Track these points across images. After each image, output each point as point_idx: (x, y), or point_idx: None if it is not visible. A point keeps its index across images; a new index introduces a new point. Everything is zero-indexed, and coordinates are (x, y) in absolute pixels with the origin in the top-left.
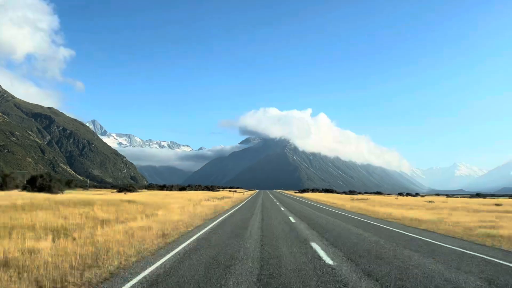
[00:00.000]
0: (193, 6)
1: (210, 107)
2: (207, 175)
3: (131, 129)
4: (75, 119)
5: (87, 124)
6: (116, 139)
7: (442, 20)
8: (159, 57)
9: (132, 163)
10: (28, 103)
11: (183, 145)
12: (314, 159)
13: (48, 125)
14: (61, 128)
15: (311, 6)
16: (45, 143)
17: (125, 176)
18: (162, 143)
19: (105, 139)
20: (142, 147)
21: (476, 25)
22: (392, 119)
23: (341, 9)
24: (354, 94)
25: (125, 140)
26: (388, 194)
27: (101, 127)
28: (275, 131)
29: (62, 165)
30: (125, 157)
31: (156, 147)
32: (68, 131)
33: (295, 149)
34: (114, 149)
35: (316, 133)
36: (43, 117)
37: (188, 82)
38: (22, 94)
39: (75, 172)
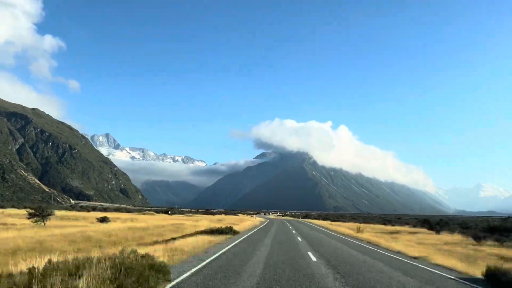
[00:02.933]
0: (203, 16)
1: (222, 118)
2: (220, 191)
3: (145, 143)
4: (62, 122)
5: (100, 138)
6: (129, 153)
7: (477, 37)
8: (169, 67)
9: (125, 174)
10: (6, 102)
11: (197, 160)
12: (336, 175)
13: (24, 126)
14: (38, 130)
15: (333, 16)
16: (17, 147)
17: (112, 189)
18: (176, 158)
19: (118, 153)
20: (156, 161)
21: None
22: (417, 135)
23: (365, 19)
24: (376, 109)
25: (139, 154)
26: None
27: (114, 140)
28: (292, 143)
29: (21, 172)
30: (116, 167)
31: (169, 162)
32: (47, 134)
33: (314, 164)
34: (105, 157)
35: (336, 146)
36: (19, 117)
37: (199, 91)
38: (22, 99)
39: (43, 183)
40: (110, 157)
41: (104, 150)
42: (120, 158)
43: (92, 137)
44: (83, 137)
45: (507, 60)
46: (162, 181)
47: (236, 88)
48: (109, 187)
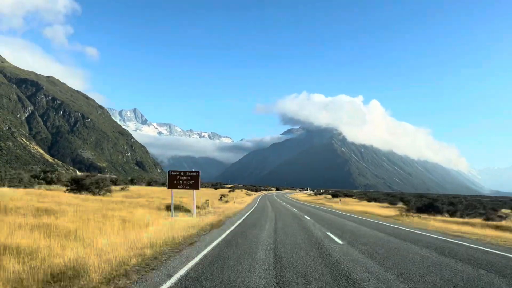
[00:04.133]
0: None
1: (248, 93)
2: (245, 168)
3: (172, 118)
4: (78, 91)
5: (128, 113)
6: (156, 128)
7: None
8: (195, 42)
9: (143, 146)
10: (18, 68)
11: (224, 136)
12: (366, 151)
13: (34, 94)
14: (49, 98)
15: None
16: (26, 115)
17: (127, 161)
18: (203, 134)
19: (145, 128)
20: (182, 137)
21: None
22: (451, 113)
23: None
24: (410, 84)
25: (166, 129)
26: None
27: (142, 115)
28: (320, 118)
29: (22, 139)
30: (133, 138)
31: (196, 137)
32: (58, 102)
33: (343, 140)
34: (122, 128)
35: (368, 122)
36: (29, 84)
37: (226, 66)
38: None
39: (53, 153)
40: (138, 132)
41: (132, 125)
42: (147, 133)
43: (120, 112)
44: (100, 107)
45: None
46: (188, 156)
47: (262, 63)
48: (124, 159)
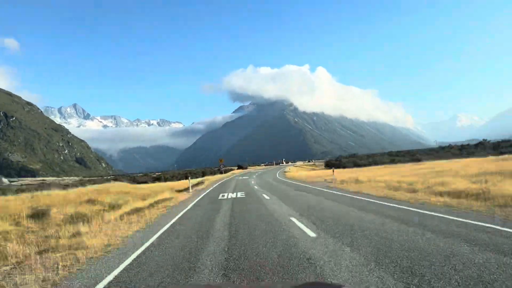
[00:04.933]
0: None
1: (192, 74)
2: (200, 151)
3: (117, 110)
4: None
5: (68, 109)
6: (100, 121)
7: None
8: (128, 28)
9: (82, 141)
10: None
11: (174, 122)
12: (318, 119)
13: None
14: None
15: None
16: None
17: (65, 159)
18: (151, 122)
19: (89, 122)
20: (129, 127)
21: None
22: (394, 72)
23: None
24: (353, 47)
25: (111, 122)
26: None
27: (83, 110)
28: (269, 91)
29: None
30: (70, 134)
31: (145, 126)
32: None
33: (295, 110)
34: (56, 124)
35: (316, 90)
36: None
37: (166, 48)
38: None
39: None
40: (81, 128)
41: (74, 121)
42: (91, 127)
43: (60, 109)
44: (28, 104)
45: None
46: (139, 147)
47: (202, 41)
48: (61, 157)
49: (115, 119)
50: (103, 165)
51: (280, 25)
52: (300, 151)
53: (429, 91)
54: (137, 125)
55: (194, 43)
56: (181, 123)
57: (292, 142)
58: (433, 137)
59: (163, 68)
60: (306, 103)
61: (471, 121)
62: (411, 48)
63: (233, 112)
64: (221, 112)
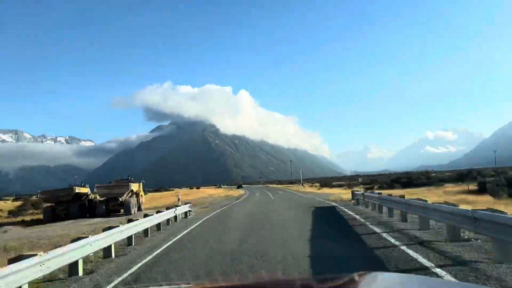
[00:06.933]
0: None
1: (103, 87)
2: (110, 172)
3: (19, 124)
4: None
5: None
6: None
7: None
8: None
9: None
10: None
11: (85, 140)
12: (240, 142)
13: None
14: None
15: None
16: None
17: None
18: (58, 139)
19: None
20: (32, 143)
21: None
22: (315, 101)
23: None
24: (276, 74)
25: (11, 136)
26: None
27: None
28: (190, 110)
29: None
30: None
31: (51, 143)
32: None
33: (216, 132)
34: None
35: (238, 113)
36: None
37: (71, 59)
38: None
39: None
40: None
41: None
42: None
43: None
44: None
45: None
46: (41, 166)
47: (115, 52)
48: None
49: (16, 133)
50: None
51: (201, 42)
52: (220, 175)
53: (343, 123)
54: (42, 141)
55: (103, 56)
56: (92, 141)
57: (212, 166)
58: (347, 167)
59: (66, 79)
60: (227, 125)
61: (380, 153)
62: (331, 78)
63: (151, 131)
64: (137, 131)
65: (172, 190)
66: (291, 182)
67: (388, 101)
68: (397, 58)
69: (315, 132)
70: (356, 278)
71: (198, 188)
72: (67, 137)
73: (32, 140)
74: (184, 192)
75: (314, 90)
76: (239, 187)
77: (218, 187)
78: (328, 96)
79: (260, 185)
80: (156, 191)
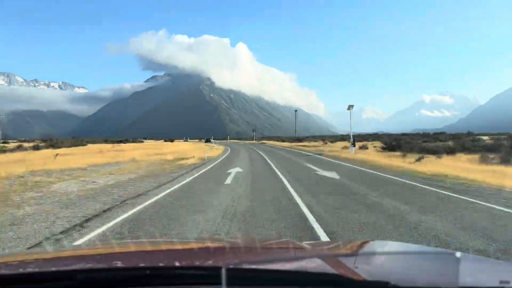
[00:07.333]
0: None
1: (94, 32)
2: (102, 120)
3: (11, 67)
4: None
5: None
6: None
7: None
8: None
9: None
10: None
11: (78, 87)
12: (236, 97)
13: None
14: None
15: None
16: None
17: None
18: (52, 84)
19: None
20: (24, 87)
21: None
22: (313, 58)
23: None
24: (276, 29)
25: (3, 79)
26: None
27: None
28: (185, 61)
29: None
30: None
31: (43, 88)
32: None
33: (211, 85)
34: None
35: (235, 66)
36: None
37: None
38: None
39: None
40: None
41: None
42: None
43: None
44: None
45: None
46: (34, 110)
47: None
48: None
49: (8, 76)
50: None
51: None
52: (214, 129)
53: (341, 82)
54: (34, 85)
55: None
56: (86, 88)
57: (206, 119)
58: (341, 126)
59: (62, 20)
60: (224, 78)
61: (375, 114)
62: (331, 35)
63: (146, 81)
64: (131, 80)
65: (142, 142)
66: (299, 139)
67: (387, 62)
68: (399, 15)
69: (312, 90)
70: (357, 245)
71: (172, 141)
72: (60, 83)
73: (25, 84)
74: (133, 147)
75: (314, 47)
76: (207, 141)
77: (185, 141)
78: (327, 55)
79: (253, 141)
80: (120, 142)
